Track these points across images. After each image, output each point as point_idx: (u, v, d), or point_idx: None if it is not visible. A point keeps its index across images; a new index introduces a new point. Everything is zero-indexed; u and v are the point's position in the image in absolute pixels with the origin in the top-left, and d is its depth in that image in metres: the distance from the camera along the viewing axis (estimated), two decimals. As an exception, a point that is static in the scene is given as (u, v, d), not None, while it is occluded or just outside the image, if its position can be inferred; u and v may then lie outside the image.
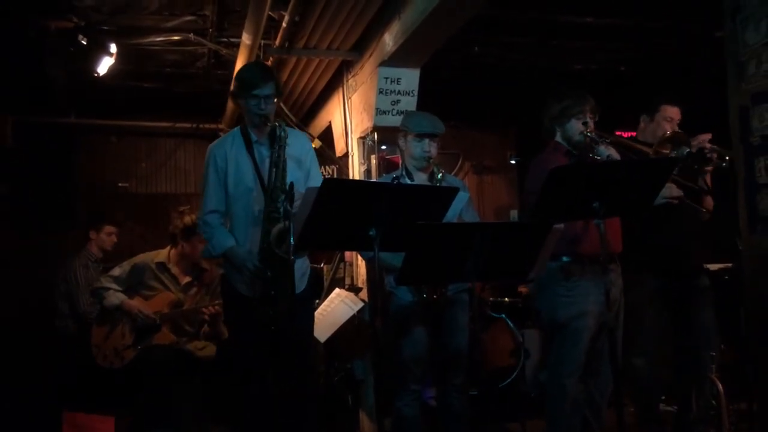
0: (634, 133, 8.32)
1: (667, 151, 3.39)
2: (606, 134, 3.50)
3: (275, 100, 3.38)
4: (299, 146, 3.50)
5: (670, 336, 4.06)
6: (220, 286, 3.63)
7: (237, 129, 3.50)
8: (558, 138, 3.63)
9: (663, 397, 5.06)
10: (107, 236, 5.69)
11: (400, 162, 3.88)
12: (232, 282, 3.42)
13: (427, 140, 3.66)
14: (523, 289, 5.96)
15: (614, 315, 3.51)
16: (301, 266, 3.49)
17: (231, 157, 3.41)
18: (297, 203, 2.97)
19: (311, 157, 3.56)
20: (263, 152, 3.38)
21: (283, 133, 3.26)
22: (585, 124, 3.47)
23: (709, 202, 3.92)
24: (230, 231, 3.43)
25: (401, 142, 3.78)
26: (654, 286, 3.84)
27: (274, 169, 3.24)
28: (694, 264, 4.00)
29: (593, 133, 3.45)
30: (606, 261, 3.33)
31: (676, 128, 3.87)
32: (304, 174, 3.47)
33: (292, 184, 3.12)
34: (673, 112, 3.98)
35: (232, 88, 3.51)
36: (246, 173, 3.38)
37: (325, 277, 5.99)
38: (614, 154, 3.36)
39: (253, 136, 3.42)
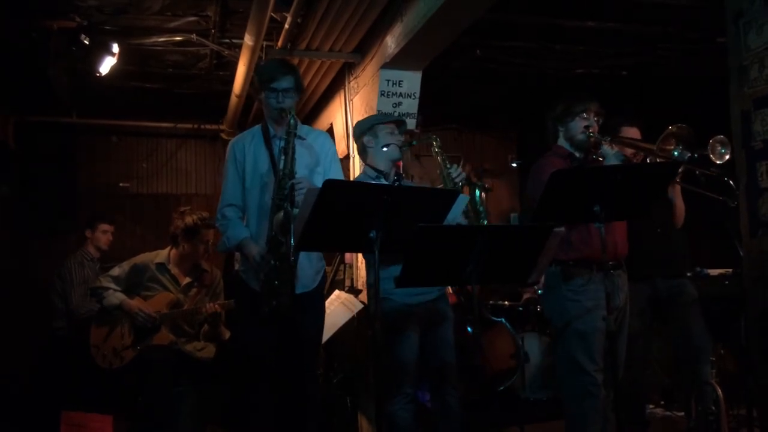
0: (635, 138, 8.29)
1: (671, 147, 3.36)
2: (609, 135, 3.50)
3: (294, 95, 3.39)
4: (319, 143, 3.52)
5: (651, 340, 4.09)
6: (235, 283, 3.63)
7: (258, 125, 3.54)
8: (560, 140, 3.61)
9: (662, 402, 5.07)
10: (102, 234, 5.69)
11: (365, 166, 3.75)
12: (246, 279, 3.43)
13: (395, 129, 3.65)
14: (527, 295, 5.95)
15: (619, 321, 3.50)
16: (316, 264, 3.53)
17: (249, 151, 3.45)
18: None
19: (331, 156, 3.56)
20: (281, 145, 3.37)
21: (293, 121, 3.25)
22: (587, 126, 3.47)
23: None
24: (251, 227, 3.44)
25: (369, 142, 3.65)
26: (635, 293, 3.83)
27: (283, 157, 3.24)
28: (676, 269, 4.04)
29: (596, 134, 3.45)
30: (610, 266, 3.35)
31: None
32: (322, 170, 3.47)
33: (293, 185, 3.12)
34: (632, 132, 4.05)
35: (251, 82, 3.50)
36: (262, 165, 3.41)
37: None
38: (619, 153, 3.35)
39: (272, 131, 3.45)
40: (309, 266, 3.45)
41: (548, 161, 3.53)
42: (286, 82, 3.34)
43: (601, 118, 3.54)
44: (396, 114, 4.98)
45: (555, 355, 3.67)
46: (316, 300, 3.56)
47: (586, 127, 3.47)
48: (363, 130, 3.69)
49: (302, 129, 3.45)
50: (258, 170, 3.42)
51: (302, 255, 3.32)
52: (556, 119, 3.60)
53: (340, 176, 3.57)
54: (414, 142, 3.88)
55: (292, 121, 3.25)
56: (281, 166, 3.24)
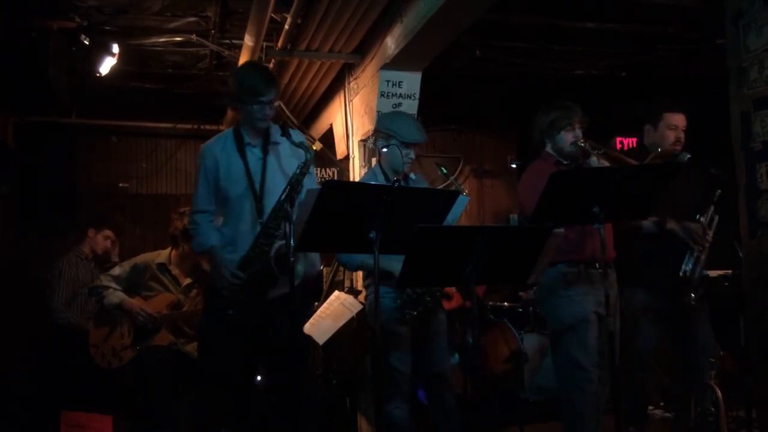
0: (634, 140, 8.32)
1: None
2: (598, 146, 3.52)
3: (276, 103, 3.39)
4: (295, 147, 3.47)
5: (660, 343, 4.09)
6: (205, 286, 3.65)
7: (230, 130, 3.47)
8: (548, 149, 3.68)
9: (661, 403, 5.06)
10: (103, 239, 5.65)
11: (375, 162, 3.83)
12: (214, 278, 3.41)
13: (412, 148, 3.64)
14: (525, 296, 5.95)
15: (612, 320, 3.52)
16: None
17: (222, 160, 3.38)
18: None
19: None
20: (256, 154, 3.37)
21: (309, 156, 3.18)
22: (576, 137, 3.54)
23: None
24: (225, 230, 3.41)
25: (382, 145, 3.68)
26: (644, 298, 3.83)
27: (288, 188, 3.18)
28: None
29: (587, 144, 3.48)
30: (599, 265, 3.44)
31: (682, 136, 3.84)
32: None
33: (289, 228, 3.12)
34: (676, 119, 3.88)
35: (231, 90, 3.41)
36: (238, 176, 3.35)
37: (324, 279, 5.99)
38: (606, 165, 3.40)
39: (247, 138, 3.39)
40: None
41: (539, 167, 3.60)
42: (272, 94, 3.31)
43: (585, 125, 3.60)
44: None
45: (552, 354, 3.71)
46: (299, 300, 3.49)
47: (576, 137, 3.54)
48: (380, 131, 3.69)
49: (276, 131, 3.40)
50: (232, 180, 3.35)
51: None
52: (543, 132, 3.67)
53: (313, 183, 3.45)
54: (443, 170, 3.97)
55: (308, 157, 3.17)
56: (283, 197, 3.17)
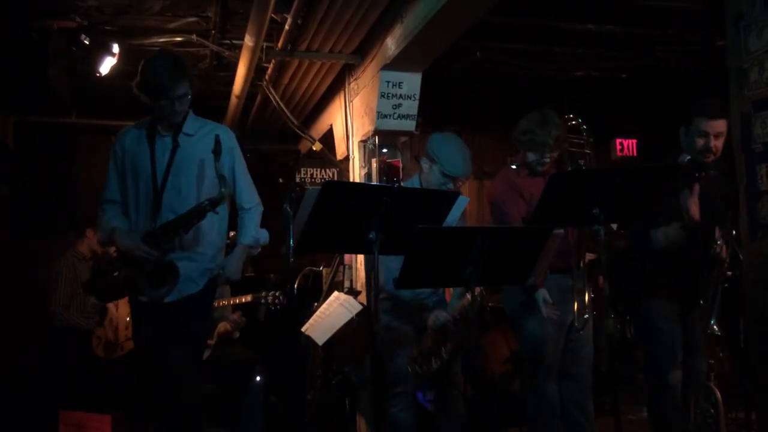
0: (634, 141, 8.30)
1: None
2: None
3: (189, 99, 3.24)
4: (210, 139, 3.24)
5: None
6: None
7: (147, 120, 3.35)
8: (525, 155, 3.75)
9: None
10: None
11: (419, 175, 3.77)
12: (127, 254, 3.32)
13: (452, 180, 3.58)
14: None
15: (581, 324, 3.52)
16: (201, 266, 3.30)
17: (129, 149, 3.31)
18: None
19: (234, 153, 3.37)
20: (167, 144, 3.26)
21: (224, 191, 3.11)
22: (543, 161, 3.65)
23: None
24: (128, 217, 3.34)
25: (425, 164, 3.64)
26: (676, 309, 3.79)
27: (192, 214, 3.14)
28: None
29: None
30: (559, 269, 3.52)
31: (713, 144, 3.38)
32: (212, 172, 3.21)
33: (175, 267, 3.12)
34: (705, 125, 3.37)
35: (138, 85, 3.27)
36: (143, 166, 3.26)
37: (324, 280, 5.98)
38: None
39: (159, 128, 3.29)
40: (193, 269, 3.27)
41: (507, 177, 3.78)
42: (181, 89, 3.17)
43: (559, 145, 3.66)
44: (395, 115, 5.00)
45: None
46: (198, 306, 3.34)
47: (541, 162, 3.66)
48: (429, 150, 3.63)
49: (194, 122, 3.31)
50: (137, 168, 3.27)
51: (188, 252, 3.24)
52: (517, 141, 3.74)
53: (244, 172, 3.36)
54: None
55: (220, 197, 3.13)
56: (166, 229, 3.16)
